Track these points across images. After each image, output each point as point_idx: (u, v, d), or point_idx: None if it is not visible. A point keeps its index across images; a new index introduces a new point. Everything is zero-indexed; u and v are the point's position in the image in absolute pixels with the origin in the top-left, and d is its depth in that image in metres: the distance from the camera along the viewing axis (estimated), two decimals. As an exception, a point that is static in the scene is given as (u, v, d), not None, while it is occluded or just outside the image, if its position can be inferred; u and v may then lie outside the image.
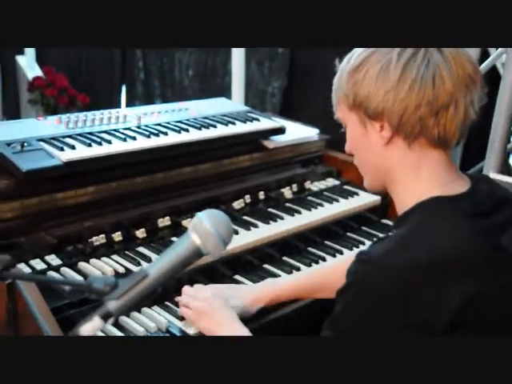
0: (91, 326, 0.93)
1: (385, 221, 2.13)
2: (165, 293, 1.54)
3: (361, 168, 1.22)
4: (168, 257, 1.00)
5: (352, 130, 1.17)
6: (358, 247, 1.92)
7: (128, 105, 4.31)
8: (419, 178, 1.12)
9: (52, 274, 1.48)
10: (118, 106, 4.33)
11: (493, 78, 2.48)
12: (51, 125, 1.87)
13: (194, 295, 1.47)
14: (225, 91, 3.50)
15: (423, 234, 1.04)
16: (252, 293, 1.52)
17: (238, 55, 2.99)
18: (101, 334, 1.36)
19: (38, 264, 1.51)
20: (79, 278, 1.48)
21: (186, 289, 1.51)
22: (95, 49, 3.96)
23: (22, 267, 1.48)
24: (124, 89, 4.39)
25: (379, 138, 1.12)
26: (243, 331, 1.35)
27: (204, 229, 1.01)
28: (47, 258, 1.54)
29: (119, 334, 1.38)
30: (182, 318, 1.46)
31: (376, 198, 2.14)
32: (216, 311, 1.41)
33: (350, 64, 1.12)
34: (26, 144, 1.68)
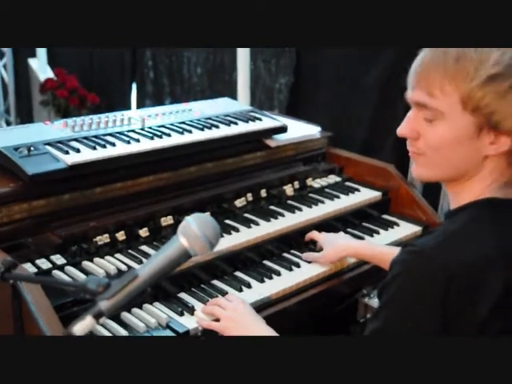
0: (84, 325, 0.99)
1: (385, 216, 2.15)
2: (165, 289, 1.60)
3: (431, 162, 1.16)
4: (157, 259, 1.06)
5: (454, 128, 1.09)
6: (357, 243, 1.95)
7: (138, 104, 4.36)
8: (492, 184, 1.13)
9: (56, 272, 1.55)
10: (129, 105, 4.40)
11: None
12: (57, 129, 1.92)
13: (224, 305, 1.51)
14: (233, 88, 3.54)
15: (472, 234, 1.08)
16: (341, 241, 1.79)
17: (243, 53, 3.03)
18: (104, 330, 1.43)
19: (44, 263, 1.57)
20: (83, 276, 1.54)
21: (216, 300, 1.55)
22: (106, 48, 4.01)
23: (29, 267, 1.54)
24: (134, 88, 4.45)
25: (488, 148, 1.09)
26: (269, 335, 1.39)
27: (192, 232, 1.06)
28: (53, 257, 1.60)
29: (121, 329, 1.43)
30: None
31: (377, 194, 2.18)
32: (243, 319, 1.46)
33: (490, 64, 1.04)
34: (32, 148, 1.74)
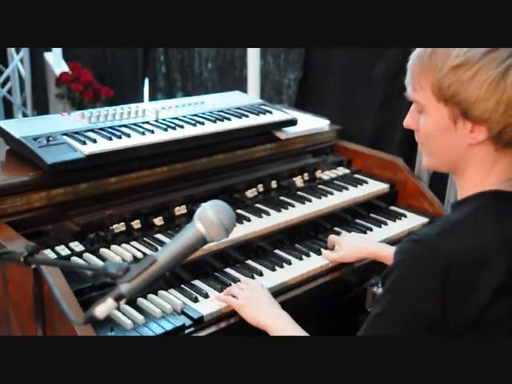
0: (106, 307, 1.04)
1: (393, 208, 2.20)
2: (180, 277, 1.65)
3: (429, 152, 1.23)
4: (175, 244, 1.10)
5: (433, 120, 1.16)
6: (365, 233, 2.00)
7: (151, 98, 4.42)
8: (491, 173, 1.16)
9: (75, 259, 1.60)
10: (141, 99, 4.45)
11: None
12: (74, 120, 1.98)
13: (242, 286, 1.59)
14: (242, 83, 3.58)
15: (474, 224, 1.11)
16: (358, 244, 1.81)
17: (253, 49, 3.07)
18: (122, 315, 1.48)
19: (63, 250, 1.62)
20: (101, 262, 1.59)
21: (237, 284, 1.63)
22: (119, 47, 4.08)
23: (48, 253, 1.60)
24: (147, 82, 4.50)
25: (468, 137, 1.13)
26: (285, 319, 1.45)
27: (208, 218, 1.10)
28: (71, 244, 1.66)
29: (137, 314, 1.49)
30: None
31: (385, 186, 2.22)
32: (259, 300, 1.52)
33: (453, 56, 1.10)
34: (51, 138, 1.79)
